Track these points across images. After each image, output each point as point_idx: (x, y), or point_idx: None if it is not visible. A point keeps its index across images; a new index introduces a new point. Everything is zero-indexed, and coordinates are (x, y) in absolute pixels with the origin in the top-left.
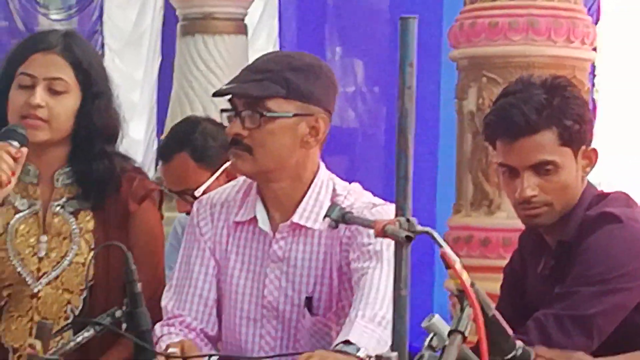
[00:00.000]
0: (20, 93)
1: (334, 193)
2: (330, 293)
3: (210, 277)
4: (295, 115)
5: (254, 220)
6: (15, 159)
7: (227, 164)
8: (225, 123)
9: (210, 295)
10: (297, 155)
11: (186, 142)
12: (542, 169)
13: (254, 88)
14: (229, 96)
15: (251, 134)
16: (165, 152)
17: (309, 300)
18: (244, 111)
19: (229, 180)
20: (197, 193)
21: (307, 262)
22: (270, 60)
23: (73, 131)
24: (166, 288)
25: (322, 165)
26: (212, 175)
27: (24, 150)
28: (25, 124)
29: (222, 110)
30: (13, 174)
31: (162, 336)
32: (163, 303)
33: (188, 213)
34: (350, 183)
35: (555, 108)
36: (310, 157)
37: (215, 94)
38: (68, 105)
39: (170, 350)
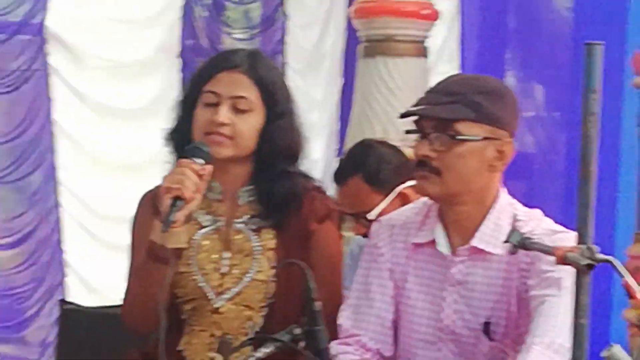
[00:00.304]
0: (205, 111)
1: (514, 218)
2: (508, 318)
3: (388, 297)
4: (484, 138)
5: (433, 242)
6: (199, 176)
7: (401, 187)
8: (406, 145)
9: (387, 316)
10: (482, 179)
11: (360, 166)
12: None
13: (444, 110)
14: (412, 118)
15: (439, 156)
16: (339, 176)
17: (486, 325)
18: (432, 133)
19: (403, 204)
20: (370, 216)
21: (485, 286)
22: (457, 83)
23: (256, 150)
24: (343, 307)
25: (504, 190)
26: (385, 198)
27: (208, 167)
28: (209, 140)
29: (408, 132)
30: (198, 190)
31: (338, 355)
32: (340, 321)
33: (364, 235)
34: (528, 208)
35: None
36: (493, 181)
37: (404, 115)
38: (252, 123)
39: None
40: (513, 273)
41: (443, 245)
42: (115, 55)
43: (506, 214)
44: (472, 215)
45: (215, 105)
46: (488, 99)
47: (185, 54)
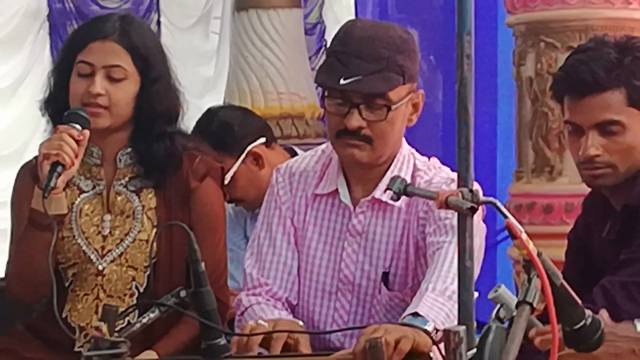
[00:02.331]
0: (80, 81)
1: (415, 168)
2: (406, 268)
3: (293, 245)
4: (407, 98)
5: (335, 192)
6: (78, 142)
7: (250, 146)
8: (283, 98)
9: (293, 264)
10: (401, 136)
11: (205, 134)
12: (607, 128)
13: (380, 83)
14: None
15: (372, 126)
16: None
17: (385, 275)
18: (363, 104)
19: (257, 162)
20: (225, 181)
21: (385, 237)
22: (378, 44)
23: (134, 115)
24: (247, 255)
25: (404, 140)
26: (236, 161)
27: (86, 132)
28: (86, 111)
29: (325, 97)
30: (76, 156)
31: (250, 306)
32: (247, 270)
33: (229, 201)
34: (426, 157)
35: (626, 68)
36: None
37: (332, 88)
38: (127, 91)
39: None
40: (412, 223)
41: (345, 197)
42: None
43: (407, 164)
44: (376, 167)
45: (90, 75)
46: (407, 57)
47: (54, 18)
